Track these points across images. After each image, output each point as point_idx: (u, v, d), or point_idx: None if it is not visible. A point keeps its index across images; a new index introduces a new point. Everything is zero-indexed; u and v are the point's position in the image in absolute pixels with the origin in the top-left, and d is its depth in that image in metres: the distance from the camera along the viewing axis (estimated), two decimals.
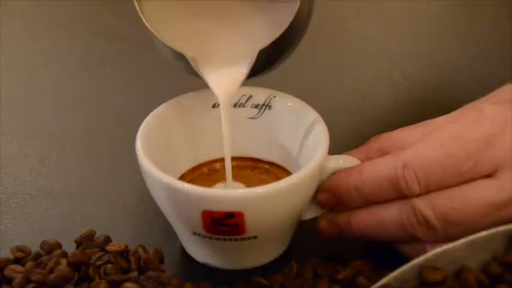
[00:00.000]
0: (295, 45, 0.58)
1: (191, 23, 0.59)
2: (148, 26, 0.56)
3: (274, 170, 0.62)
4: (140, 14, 0.56)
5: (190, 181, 0.61)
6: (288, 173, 0.61)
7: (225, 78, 0.58)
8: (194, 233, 0.56)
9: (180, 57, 0.57)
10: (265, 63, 0.58)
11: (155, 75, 0.80)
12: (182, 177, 0.61)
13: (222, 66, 0.58)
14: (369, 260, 0.57)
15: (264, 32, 0.58)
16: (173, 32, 0.58)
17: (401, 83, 0.78)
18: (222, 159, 0.61)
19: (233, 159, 0.60)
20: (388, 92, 0.77)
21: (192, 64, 0.58)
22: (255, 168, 0.63)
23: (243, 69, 0.58)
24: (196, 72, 0.58)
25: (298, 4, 0.55)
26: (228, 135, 0.58)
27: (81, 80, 0.80)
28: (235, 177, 0.60)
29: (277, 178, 0.59)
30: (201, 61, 0.58)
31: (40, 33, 0.88)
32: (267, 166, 0.63)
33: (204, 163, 0.63)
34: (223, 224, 0.54)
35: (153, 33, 0.56)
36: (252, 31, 0.59)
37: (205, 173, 0.62)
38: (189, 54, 0.57)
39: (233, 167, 0.60)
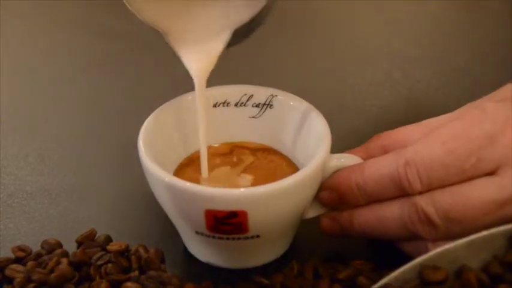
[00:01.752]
0: (266, 21, 0.58)
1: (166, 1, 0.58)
2: (126, 3, 0.56)
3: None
4: None
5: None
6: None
7: (199, 55, 0.58)
8: (197, 232, 0.56)
9: (157, 32, 0.57)
10: (236, 39, 0.58)
11: (156, 75, 0.80)
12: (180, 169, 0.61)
13: (196, 43, 0.58)
14: (369, 260, 0.57)
15: (239, 10, 0.58)
16: (148, 8, 0.57)
17: (402, 82, 0.78)
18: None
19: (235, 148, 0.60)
20: (389, 92, 0.77)
21: (167, 40, 0.58)
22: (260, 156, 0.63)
23: (218, 47, 0.58)
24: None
25: None
26: (203, 118, 0.58)
27: (82, 80, 0.80)
28: (249, 168, 0.60)
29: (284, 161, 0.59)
30: (175, 37, 0.58)
31: (40, 33, 0.88)
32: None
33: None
34: (226, 223, 0.54)
35: (129, 8, 0.56)
36: (228, 9, 0.58)
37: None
38: (163, 29, 0.57)
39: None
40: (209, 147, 0.60)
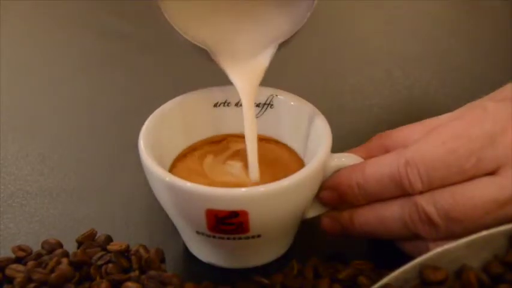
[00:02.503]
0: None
1: (212, 18, 0.59)
2: (171, 22, 0.56)
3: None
4: (164, 13, 0.56)
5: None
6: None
7: (246, 71, 0.58)
8: (198, 232, 0.56)
9: (203, 52, 0.58)
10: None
11: (157, 74, 0.80)
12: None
13: (242, 60, 0.59)
14: (369, 260, 0.57)
15: (284, 25, 0.58)
16: (195, 27, 0.58)
17: (402, 82, 0.78)
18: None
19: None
20: (389, 92, 0.77)
21: (213, 58, 0.58)
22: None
23: (264, 63, 0.58)
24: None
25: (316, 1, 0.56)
26: (252, 136, 0.58)
27: (82, 80, 0.80)
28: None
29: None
30: (221, 55, 0.58)
31: (41, 33, 0.88)
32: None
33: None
34: (227, 223, 0.54)
35: (176, 30, 0.57)
36: (273, 25, 0.59)
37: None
38: (209, 47, 0.58)
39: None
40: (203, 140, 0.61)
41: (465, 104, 0.58)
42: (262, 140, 0.62)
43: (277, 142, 0.62)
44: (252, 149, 0.58)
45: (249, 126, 0.58)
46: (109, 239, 0.60)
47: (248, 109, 0.58)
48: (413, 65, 0.81)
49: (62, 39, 0.87)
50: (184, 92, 0.62)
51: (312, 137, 0.59)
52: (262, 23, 0.59)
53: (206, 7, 0.58)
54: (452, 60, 0.81)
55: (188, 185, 0.54)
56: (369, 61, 0.82)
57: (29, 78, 0.81)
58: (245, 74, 0.58)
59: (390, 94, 0.77)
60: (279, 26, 0.58)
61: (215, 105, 0.62)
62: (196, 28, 0.58)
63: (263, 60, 0.58)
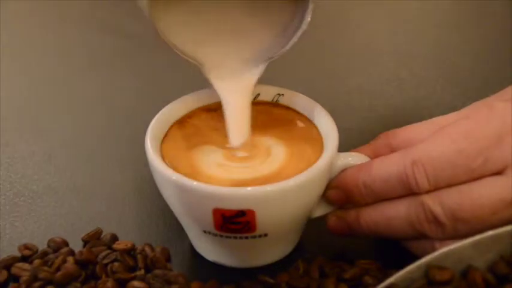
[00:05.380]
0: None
1: (201, 34, 0.59)
2: (160, 34, 0.56)
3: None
4: (155, 25, 0.56)
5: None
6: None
7: (234, 87, 0.59)
8: (205, 231, 0.56)
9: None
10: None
11: (164, 73, 0.80)
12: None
13: (231, 76, 0.59)
14: (375, 259, 0.57)
15: (275, 44, 0.58)
16: (184, 41, 0.58)
17: (408, 81, 0.78)
18: None
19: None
20: (396, 91, 0.77)
21: (203, 72, 0.58)
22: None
23: (253, 79, 0.59)
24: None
25: (308, 19, 0.56)
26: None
27: (89, 79, 0.80)
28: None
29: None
30: (210, 70, 0.59)
31: (49, 32, 0.89)
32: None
33: None
34: (234, 222, 0.54)
35: (164, 40, 0.57)
36: (264, 43, 0.59)
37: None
38: (198, 61, 0.58)
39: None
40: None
41: (471, 103, 0.58)
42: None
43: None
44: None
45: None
46: (115, 238, 0.60)
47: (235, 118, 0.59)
48: (420, 64, 0.80)
49: (69, 38, 0.87)
50: (192, 90, 0.62)
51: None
52: (252, 41, 0.59)
53: (195, 25, 0.58)
54: (458, 59, 0.81)
55: (195, 184, 0.54)
56: (376, 61, 0.82)
57: (36, 77, 0.81)
58: (234, 90, 0.59)
59: (397, 94, 0.77)
60: (271, 44, 0.58)
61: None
62: (184, 43, 0.58)
63: (251, 76, 0.59)
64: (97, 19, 0.90)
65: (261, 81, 0.61)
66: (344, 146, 0.58)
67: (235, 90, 0.59)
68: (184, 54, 0.58)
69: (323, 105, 0.60)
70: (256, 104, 0.61)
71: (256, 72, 0.59)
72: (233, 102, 0.59)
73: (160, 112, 0.60)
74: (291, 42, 0.57)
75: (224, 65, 0.59)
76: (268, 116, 0.61)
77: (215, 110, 0.61)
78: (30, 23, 0.91)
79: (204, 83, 0.61)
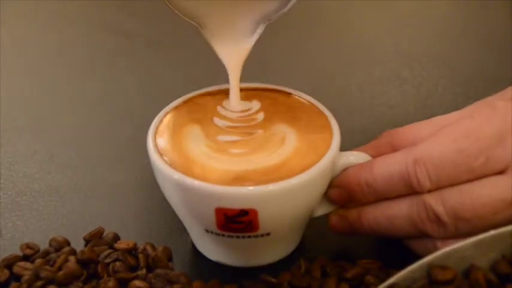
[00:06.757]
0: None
1: None
2: None
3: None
4: None
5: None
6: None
7: (232, 48, 0.59)
8: (207, 231, 0.56)
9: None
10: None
11: (165, 72, 0.80)
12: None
13: (230, 37, 0.59)
14: (377, 259, 0.57)
15: (273, 5, 0.58)
16: (185, 2, 0.58)
17: (410, 81, 0.78)
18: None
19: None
20: (397, 91, 0.77)
21: (202, 33, 0.58)
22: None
23: (251, 40, 0.59)
24: None
25: None
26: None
27: (91, 78, 0.80)
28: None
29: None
30: (210, 31, 0.59)
31: (50, 31, 0.89)
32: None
33: None
34: (236, 221, 0.54)
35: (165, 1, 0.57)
36: (262, 4, 0.59)
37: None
38: (198, 23, 0.58)
39: None
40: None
41: (473, 103, 0.58)
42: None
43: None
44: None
45: (235, 100, 0.59)
46: (116, 237, 0.60)
47: (233, 79, 0.59)
48: (421, 64, 0.80)
49: (70, 37, 0.87)
50: (194, 89, 0.62)
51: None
52: (251, 2, 0.59)
53: None
54: (460, 59, 0.81)
55: (197, 183, 0.54)
56: (377, 60, 0.82)
57: (36, 76, 0.81)
58: (231, 50, 0.59)
59: (398, 93, 0.77)
60: (269, 5, 0.58)
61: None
62: (185, 4, 0.58)
63: (250, 38, 0.59)
64: (97, 19, 0.90)
65: (263, 81, 0.61)
66: (346, 145, 0.58)
67: (235, 52, 0.59)
68: (186, 16, 0.58)
69: (325, 104, 0.60)
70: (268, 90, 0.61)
71: (255, 34, 0.59)
72: (233, 64, 0.59)
73: (163, 110, 0.60)
74: (290, 4, 0.57)
75: (225, 26, 0.59)
76: (279, 104, 0.60)
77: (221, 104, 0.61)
78: (30, 23, 0.91)
79: (204, 83, 0.61)
